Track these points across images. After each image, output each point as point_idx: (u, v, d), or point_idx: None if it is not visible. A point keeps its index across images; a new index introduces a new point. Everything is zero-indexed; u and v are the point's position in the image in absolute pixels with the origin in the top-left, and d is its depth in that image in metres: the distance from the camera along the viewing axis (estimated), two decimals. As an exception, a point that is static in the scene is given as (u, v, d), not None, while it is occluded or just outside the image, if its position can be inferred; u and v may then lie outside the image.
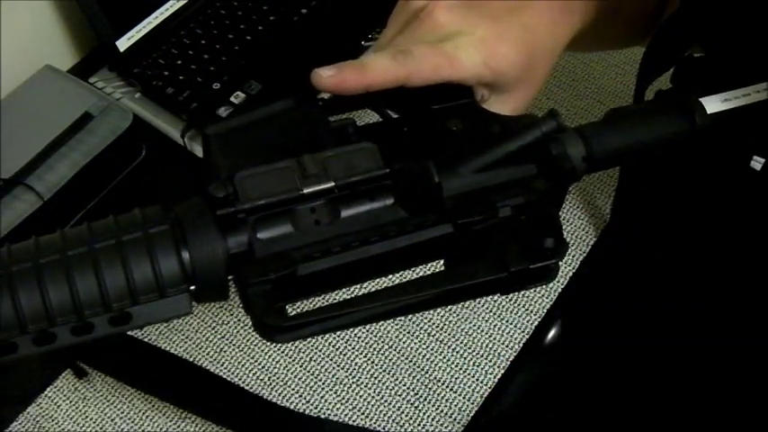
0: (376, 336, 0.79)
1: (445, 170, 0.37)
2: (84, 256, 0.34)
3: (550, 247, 0.37)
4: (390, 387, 0.77)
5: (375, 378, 0.77)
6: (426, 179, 0.37)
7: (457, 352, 0.78)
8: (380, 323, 0.80)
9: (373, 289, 0.36)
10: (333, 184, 0.36)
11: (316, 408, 0.76)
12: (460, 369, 0.77)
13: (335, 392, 0.76)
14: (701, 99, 0.40)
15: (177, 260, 0.34)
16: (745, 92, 0.40)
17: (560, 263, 0.38)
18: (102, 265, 0.33)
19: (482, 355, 0.78)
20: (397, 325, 0.80)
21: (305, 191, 0.36)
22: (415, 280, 0.37)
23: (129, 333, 0.78)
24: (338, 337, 0.79)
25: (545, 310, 0.80)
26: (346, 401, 0.76)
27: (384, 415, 0.75)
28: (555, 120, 0.39)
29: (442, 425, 0.74)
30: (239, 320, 0.81)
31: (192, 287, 0.35)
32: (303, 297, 0.37)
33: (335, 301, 0.36)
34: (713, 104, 0.40)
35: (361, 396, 0.76)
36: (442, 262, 0.40)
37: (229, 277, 0.35)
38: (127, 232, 0.34)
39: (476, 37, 0.43)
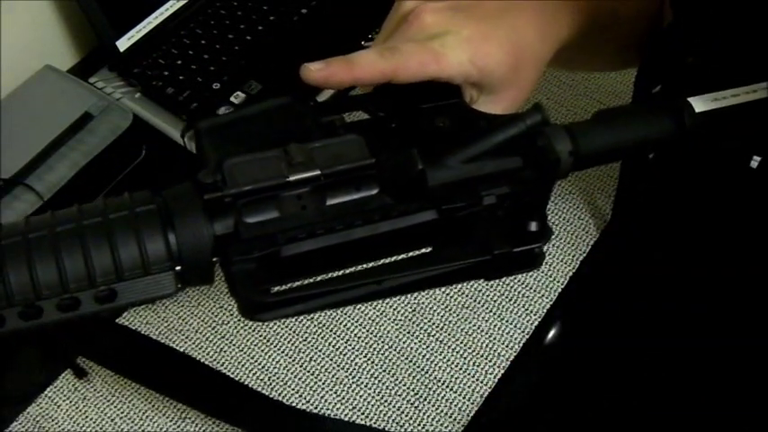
0: (376, 336, 0.79)
1: (431, 161, 0.38)
2: (72, 231, 0.34)
3: (534, 231, 0.38)
4: (390, 387, 0.77)
5: (375, 378, 0.77)
6: (410, 166, 0.38)
7: (457, 352, 0.78)
8: (380, 323, 0.80)
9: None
10: (319, 172, 0.37)
11: (315, 408, 0.76)
12: (460, 369, 0.77)
13: (335, 392, 0.76)
14: (689, 99, 0.40)
15: (163, 239, 0.35)
16: (735, 92, 0.40)
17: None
18: (89, 240, 0.34)
19: (482, 355, 0.78)
20: (397, 325, 0.80)
21: (291, 178, 0.36)
22: (399, 261, 0.37)
23: (131, 327, 0.79)
24: (338, 336, 0.79)
25: (545, 310, 0.80)
26: (346, 401, 0.76)
27: (384, 415, 0.75)
28: (539, 113, 0.39)
29: (442, 425, 0.74)
30: (239, 320, 0.81)
31: (178, 268, 0.35)
32: (287, 280, 0.38)
33: (320, 280, 0.36)
34: (702, 104, 0.40)
35: (361, 396, 0.76)
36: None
37: (215, 259, 0.36)
38: (114, 211, 0.35)
39: (462, 36, 0.44)
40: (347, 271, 0.37)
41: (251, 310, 0.36)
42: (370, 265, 0.38)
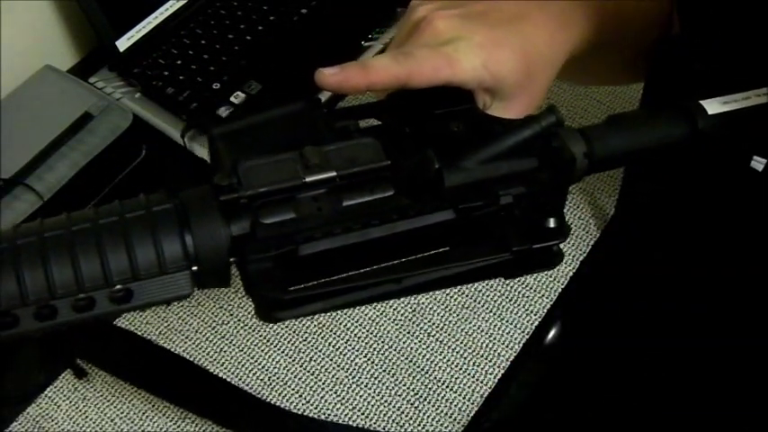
0: (376, 336, 0.79)
1: (447, 163, 0.38)
2: (88, 230, 0.34)
3: (552, 227, 0.38)
4: (390, 387, 0.77)
5: (375, 378, 0.77)
6: (427, 167, 0.38)
7: (457, 352, 0.78)
8: (380, 323, 0.80)
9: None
10: (335, 173, 0.37)
11: (316, 408, 0.76)
12: (460, 369, 0.77)
13: (335, 392, 0.76)
14: (701, 102, 0.40)
15: (179, 238, 0.35)
16: (746, 95, 0.40)
17: (564, 249, 0.38)
18: (104, 238, 0.34)
19: (482, 355, 0.78)
20: (397, 325, 0.80)
21: (307, 179, 0.37)
22: (418, 258, 0.37)
23: (131, 330, 0.79)
24: (338, 336, 0.79)
25: (545, 310, 0.80)
26: (346, 401, 0.76)
27: (384, 415, 0.75)
28: (554, 114, 0.40)
29: (442, 425, 0.74)
30: (239, 320, 0.81)
31: (195, 268, 0.35)
32: (304, 281, 0.38)
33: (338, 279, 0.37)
34: (714, 107, 0.40)
35: (361, 396, 0.76)
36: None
37: (231, 260, 0.36)
38: (130, 211, 0.35)
39: (474, 42, 0.44)
40: (366, 270, 0.37)
41: (268, 308, 0.36)
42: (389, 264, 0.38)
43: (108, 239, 0.34)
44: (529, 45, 0.46)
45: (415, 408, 0.75)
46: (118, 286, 0.34)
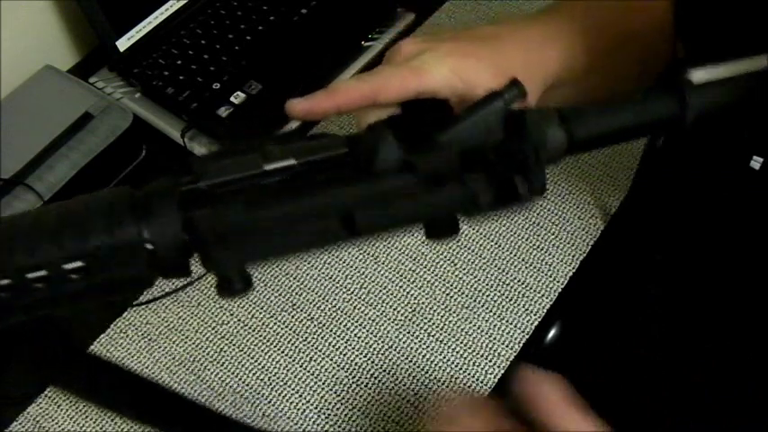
0: (376, 336, 0.79)
1: (409, 141, 0.38)
2: (48, 211, 0.36)
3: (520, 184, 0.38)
4: (390, 387, 0.77)
5: (375, 378, 0.77)
6: (382, 142, 0.38)
7: (457, 352, 0.78)
8: (380, 323, 0.80)
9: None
10: (294, 161, 0.38)
11: (316, 408, 0.76)
12: (460, 369, 0.77)
13: (335, 392, 0.76)
14: (687, 72, 0.39)
15: (134, 220, 0.36)
16: (736, 63, 0.40)
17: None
18: (61, 218, 0.35)
19: (482, 355, 0.78)
20: (397, 325, 0.80)
21: (266, 167, 0.38)
22: (370, 199, 0.38)
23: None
24: (338, 336, 0.79)
25: (545, 310, 0.80)
26: (346, 401, 0.76)
27: (384, 415, 0.75)
28: (516, 88, 0.40)
29: (441, 425, 0.74)
30: (239, 320, 0.81)
31: (150, 246, 0.36)
32: (259, 251, 0.38)
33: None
34: (700, 75, 0.40)
35: (361, 396, 0.76)
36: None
37: (188, 239, 0.37)
38: (92, 200, 0.36)
39: (441, 52, 0.46)
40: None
41: (223, 276, 0.36)
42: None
43: (65, 218, 0.35)
44: (502, 60, 0.46)
45: (415, 408, 0.75)
46: (73, 264, 0.35)
